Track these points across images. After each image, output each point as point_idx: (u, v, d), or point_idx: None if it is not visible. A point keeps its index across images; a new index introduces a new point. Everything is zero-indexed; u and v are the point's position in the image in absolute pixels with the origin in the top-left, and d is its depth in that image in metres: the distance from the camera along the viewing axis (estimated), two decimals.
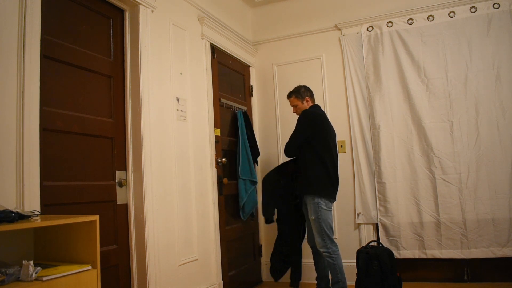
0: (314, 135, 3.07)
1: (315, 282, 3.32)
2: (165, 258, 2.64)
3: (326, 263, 3.03)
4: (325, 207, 2.98)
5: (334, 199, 3.13)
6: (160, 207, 2.63)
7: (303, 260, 3.49)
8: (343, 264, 3.02)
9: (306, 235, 3.35)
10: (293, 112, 3.36)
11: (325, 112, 3.85)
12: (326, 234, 2.96)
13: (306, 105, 3.26)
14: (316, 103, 3.34)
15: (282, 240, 3.41)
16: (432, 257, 3.45)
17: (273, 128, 4.14)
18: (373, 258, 3.18)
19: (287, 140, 3.25)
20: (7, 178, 1.74)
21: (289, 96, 3.34)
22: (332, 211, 3.18)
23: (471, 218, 3.38)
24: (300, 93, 3.26)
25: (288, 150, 3.22)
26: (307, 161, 3.08)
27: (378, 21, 3.76)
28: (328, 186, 3.04)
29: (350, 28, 3.88)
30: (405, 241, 3.53)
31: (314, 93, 3.36)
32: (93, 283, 1.63)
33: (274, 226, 4.04)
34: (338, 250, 3.00)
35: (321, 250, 2.99)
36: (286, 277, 3.92)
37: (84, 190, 2.23)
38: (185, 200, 2.92)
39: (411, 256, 3.51)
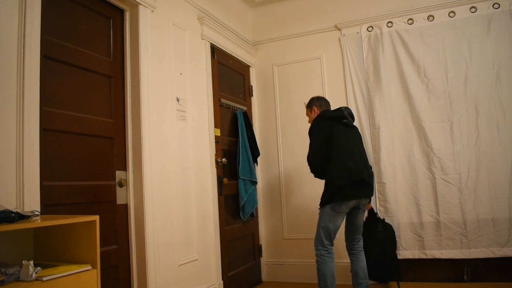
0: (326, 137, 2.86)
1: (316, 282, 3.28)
2: (165, 258, 2.64)
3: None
4: (330, 209, 2.76)
5: (355, 197, 2.77)
6: (160, 207, 2.63)
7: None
8: (339, 265, 2.91)
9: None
10: (309, 122, 3.18)
11: None
12: (319, 238, 2.80)
13: (314, 115, 3.10)
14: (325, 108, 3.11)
15: None
16: (432, 257, 3.45)
17: (273, 128, 4.13)
18: (379, 221, 3.38)
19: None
20: (7, 178, 1.74)
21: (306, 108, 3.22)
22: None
23: (471, 218, 3.38)
24: (310, 103, 3.15)
25: (312, 164, 2.84)
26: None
27: (378, 21, 3.76)
28: (341, 188, 2.74)
29: (350, 28, 3.88)
30: (405, 242, 3.52)
31: (313, 93, 3.32)
32: (93, 283, 1.63)
33: (273, 226, 4.05)
34: (328, 258, 2.78)
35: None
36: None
37: (84, 190, 2.23)
38: (185, 200, 2.91)
39: (411, 257, 3.50)
